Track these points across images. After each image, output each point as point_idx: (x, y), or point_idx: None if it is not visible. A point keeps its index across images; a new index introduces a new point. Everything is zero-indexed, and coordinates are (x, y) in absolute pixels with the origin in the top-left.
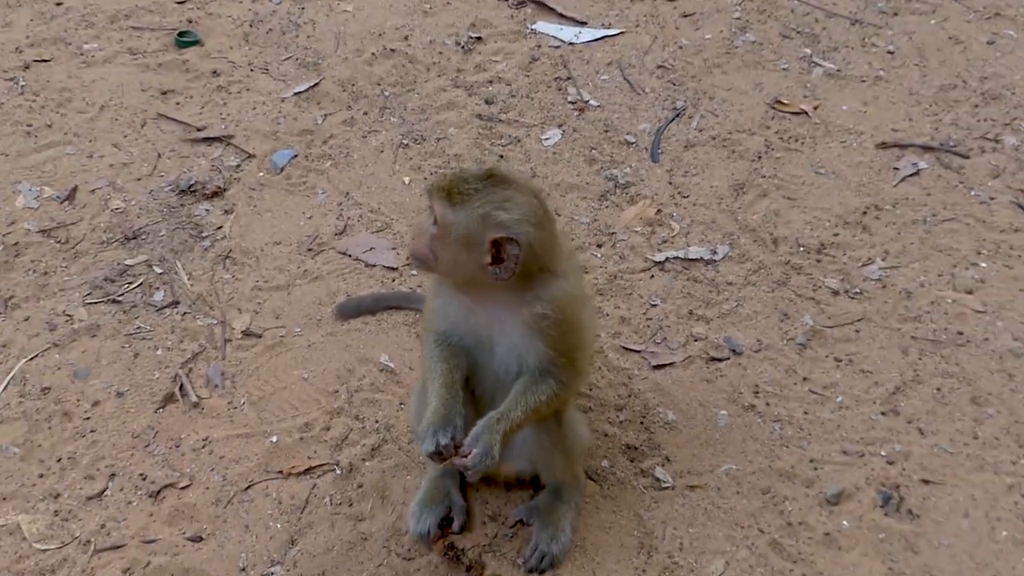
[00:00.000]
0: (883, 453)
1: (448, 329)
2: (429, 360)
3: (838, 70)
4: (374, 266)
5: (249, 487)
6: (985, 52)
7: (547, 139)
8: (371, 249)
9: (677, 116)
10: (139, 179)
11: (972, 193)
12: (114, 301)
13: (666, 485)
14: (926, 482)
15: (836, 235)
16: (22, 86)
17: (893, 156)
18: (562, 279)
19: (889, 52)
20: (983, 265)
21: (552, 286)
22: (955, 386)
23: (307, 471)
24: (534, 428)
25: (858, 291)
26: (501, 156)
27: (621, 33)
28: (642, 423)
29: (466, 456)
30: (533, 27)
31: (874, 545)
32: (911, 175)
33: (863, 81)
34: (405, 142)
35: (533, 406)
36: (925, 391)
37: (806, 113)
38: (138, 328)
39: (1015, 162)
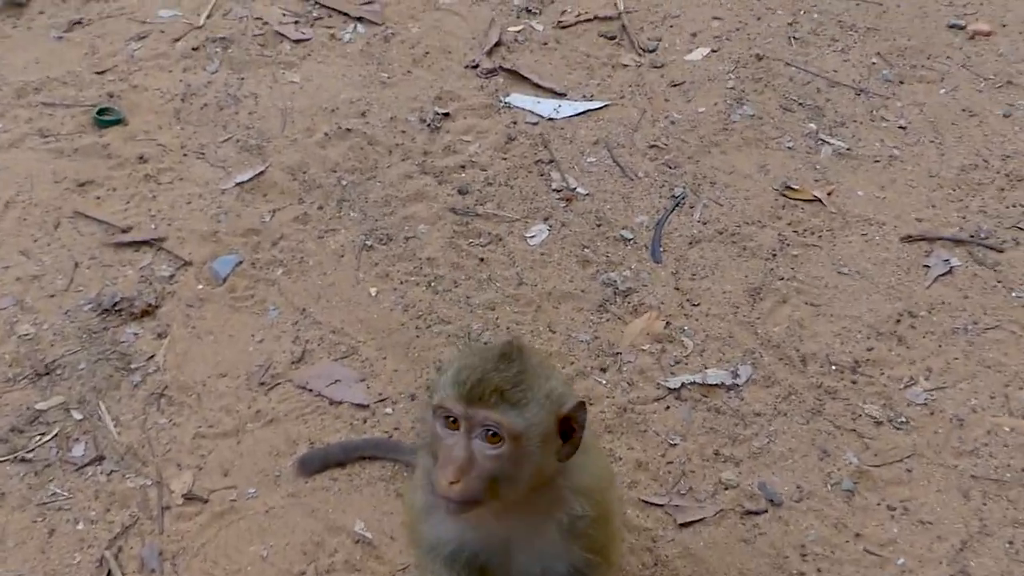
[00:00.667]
0: None
1: (453, 545)
2: None
3: (848, 149)
4: (340, 403)
5: None
6: (1003, 126)
7: (532, 236)
8: (336, 382)
9: (677, 206)
10: (52, 296)
11: (1013, 294)
12: (23, 459)
13: None
14: None
15: (870, 349)
16: None
17: (921, 251)
18: (584, 454)
19: (901, 127)
20: None
21: (582, 470)
22: None
23: None
24: None
25: (903, 420)
26: (481, 260)
27: (605, 106)
28: None
29: None
30: (507, 100)
31: None
32: (943, 274)
33: (877, 161)
34: (369, 243)
35: None
36: (996, 545)
37: (820, 200)
38: (53, 495)
39: None
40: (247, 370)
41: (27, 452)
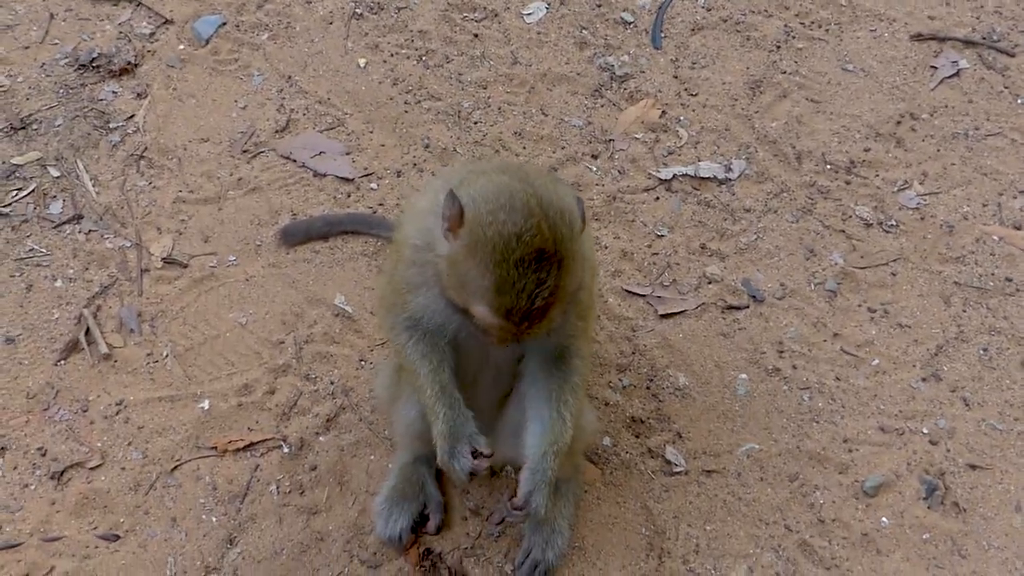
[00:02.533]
0: (925, 431)
1: (435, 323)
2: (407, 355)
3: None
4: (324, 176)
5: (176, 468)
6: None
7: (529, 14)
8: (320, 153)
9: None
10: (27, 48)
11: (1019, 101)
12: (1, 214)
13: (678, 469)
14: (973, 467)
15: (867, 150)
16: None
17: (930, 51)
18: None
19: None
20: None
21: (582, 243)
22: (1003, 346)
23: (248, 447)
24: (511, 422)
25: (893, 223)
26: (475, 36)
27: None
28: (649, 388)
29: (520, 508)
30: None
31: (917, 548)
32: (950, 76)
33: None
34: (359, 11)
35: (577, 410)
36: (970, 352)
37: None
38: (31, 251)
39: None
40: (230, 136)
41: (3, 207)
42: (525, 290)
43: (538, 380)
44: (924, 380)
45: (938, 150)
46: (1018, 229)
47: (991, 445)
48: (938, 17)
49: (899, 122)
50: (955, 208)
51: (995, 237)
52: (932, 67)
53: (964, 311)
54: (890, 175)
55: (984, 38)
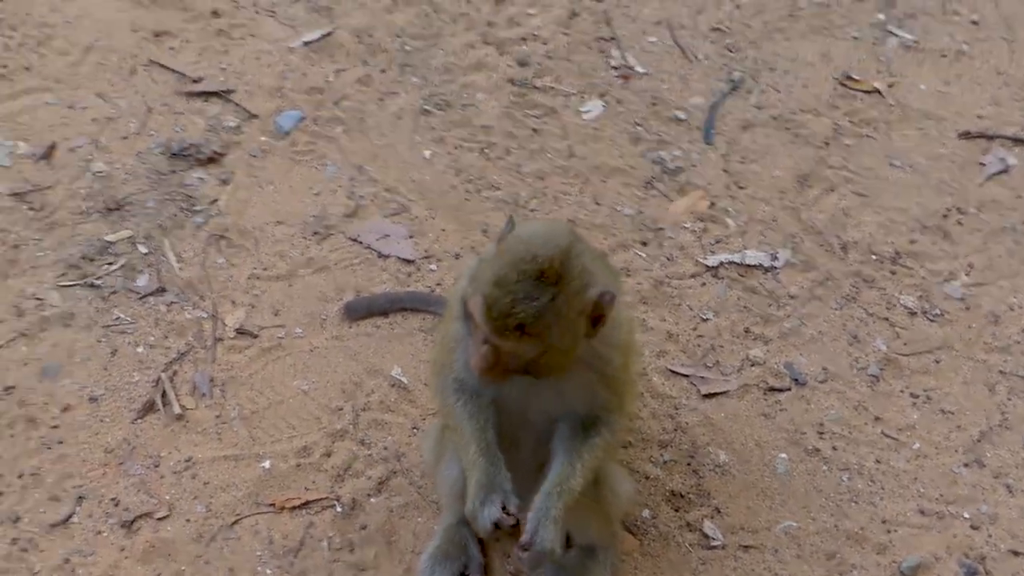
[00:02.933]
0: (966, 515)
1: (478, 384)
2: (453, 414)
3: (915, 41)
4: (388, 257)
5: (236, 522)
6: None
7: (587, 111)
8: (385, 236)
9: (734, 89)
10: (125, 138)
11: None
12: (92, 285)
13: (716, 543)
14: (1016, 553)
15: (913, 242)
16: None
17: (978, 148)
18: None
19: (973, 22)
20: None
21: (616, 327)
22: None
23: (303, 505)
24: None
25: (938, 312)
26: (534, 130)
27: None
28: (689, 464)
29: (526, 548)
30: None
31: None
32: (999, 172)
33: (944, 56)
34: (427, 108)
35: (591, 466)
36: (1015, 439)
37: (879, 92)
38: (118, 319)
39: None
40: (303, 220)
41: (96, 279)
42: (513, 294)
43: (564, 444)
44: (966, 465)
45: (985, 243)
46: None
47: None
48: (987, 116)
49: (945, 216)
50: (1001, 299)
51: None
52: (980, 164)
53: (1009, 399)
54: (936, 266)
55: None
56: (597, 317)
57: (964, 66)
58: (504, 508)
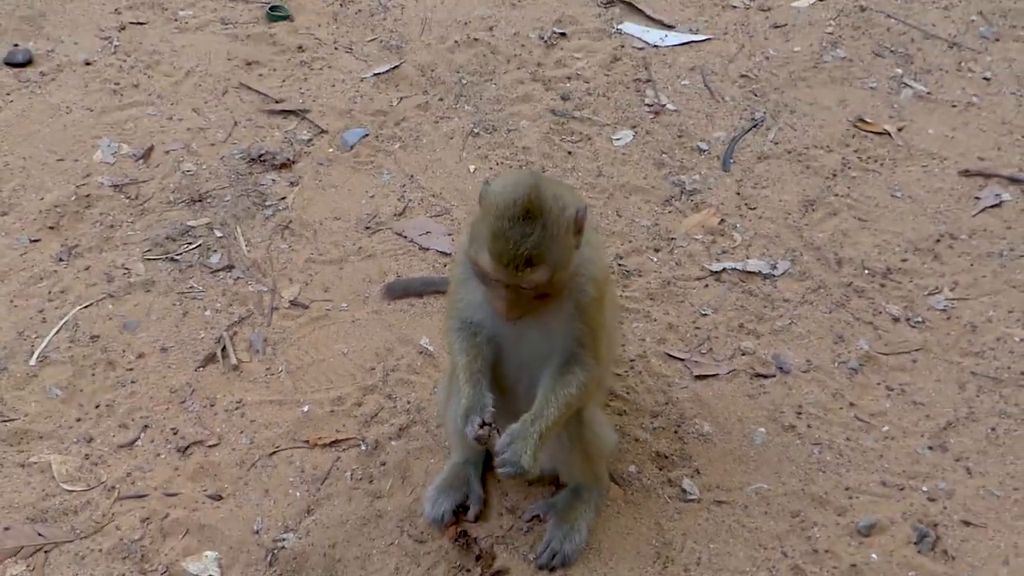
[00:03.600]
0: (924, 489)
1: (476, 319)
2: (453, 349)
3: (929, 93)
4: (428, 249)
5: (274, 453)
6: None
7: (618, 139)
8: (427, 233)
9: (754, 127)
10: (213, 144)
11: None
12: (172, 259)
13: (692, 497)
14: (967, 524)
15: (904, 260)
16: (116, 46)
17: (976, 185)
18: (594, 250)
19: (985, 79)
20: None
21: (592, 263)
22: (1011, 427)
23: (333, 443)
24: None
25: (920, 320)
26: (569, 152)
27: (708, 40)
28: (676, 432)
29: (500, 454)
30: (619, 27)
31: None
32: (992, 206)
33: (954, 106)
34: (476, 131)
35: (565, 400)
36: (978, 429)
37: (889, 134)
38: (191, 287)
39: None
40: (357, 216)
41: (176, 255)
42: (513, 238)
43: (545, 383)
44: (931, 448)
45: (972, 264)
46: None
47: (987, 507)
48: (988, 158)
49: (938, 240)
50: (981, 312)
51: (1016, 338)
52: (976, 198)
53: (977, 396)
54: (923, 282)
55: None
56: (577, 230)
57: (972, 115)
58: (483, 424)
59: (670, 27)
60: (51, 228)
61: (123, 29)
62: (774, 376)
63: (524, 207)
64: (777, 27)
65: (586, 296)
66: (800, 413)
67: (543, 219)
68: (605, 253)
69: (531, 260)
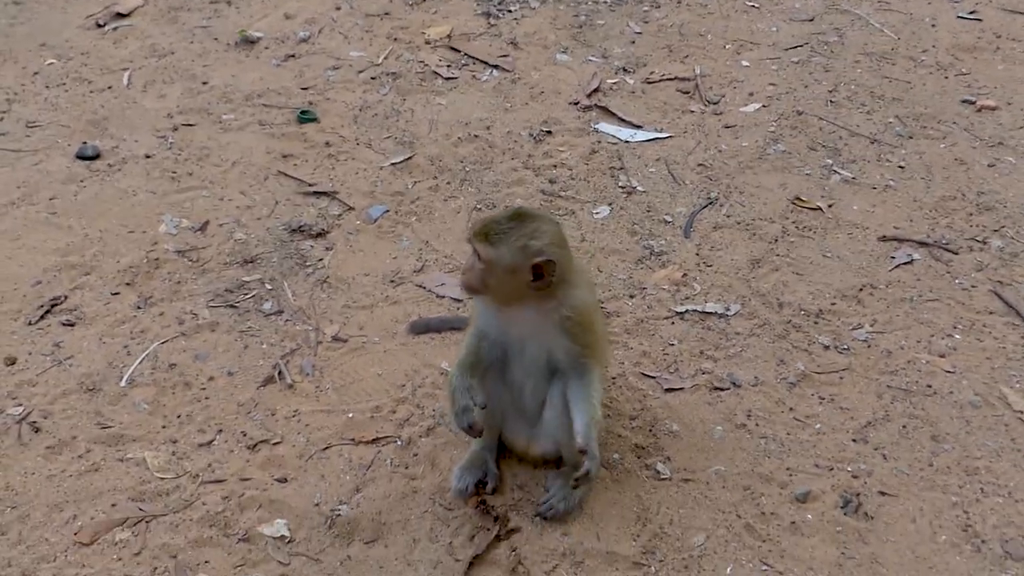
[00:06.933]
0: (849, 469)
1: (487, 330)
2: (463, 347)
3: (853, 177)
4: (443, 297)
5: (327, 448)
6: (985, 172)
7: (598, 213)
8: (443, 284)
9: (710, 204)
10: (259, 219)
11: (956, 281)
12: (232, 306)
13: (665, 477)
14: (883, 494)
15: (833, 304)
16: (171, 143)
17: (891, 247)
18: (577, 288)
19: (900, 167)
20: (957, 337)
21: (572, 295)
22: (919, 426)
23: (374, 440)
24: (560, 413)
25: (846, 347)
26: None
27: (671, 137)
28: (650, 430)
29: (584, 451)
30: (596, 127)
31: (831, 535)
32: (905, 263)
33: (874, 188)
34: (478, 207)
35: (599, 400)
36: (892, 427)
37: (821, 209)
38: (249, 327)
39: (998, 260)
40: (383, 273)
41: (235, 303)
42: (492, 219)
43: (570, 387)
44: (854, 440)
45: (888, 307)
46: (942, 357)
47: (899, 483)
48: (902, 227)
49: (861, 289)
50: (895, 342)
51: (923, 360)
52: (892, 257)
53: (892, 403)
54: (848, 320)
55: (935, 241)
56: (539, 273)
57: (889, 195)
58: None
59: (639, 127)
60: (128, 284)
61: (175, 130)
62: (728, 389)
63: (514, 211)
64: (728, 127)
65: (565, 315)
66: (750, 415)
67: (517, 225)
68: (593, 299)
69: (487, 235)
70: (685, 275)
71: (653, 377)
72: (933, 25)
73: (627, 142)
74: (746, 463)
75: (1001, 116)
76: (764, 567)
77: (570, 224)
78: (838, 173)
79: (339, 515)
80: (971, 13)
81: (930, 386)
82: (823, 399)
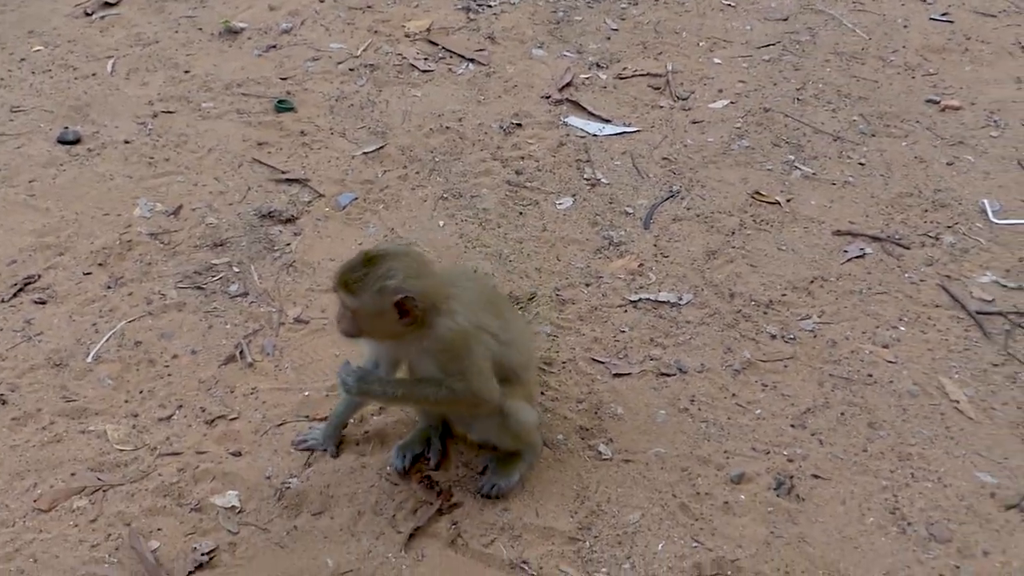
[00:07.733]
0: (785, 453)
1: (379, 358)
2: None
3: (814, 173)
4: None
5: (281, 424)
6: (944, 171)
7: (561, 204)
8: None
9: (671, 197)
10: (231, 204)
11: (906, 275)
12: (199, 287)
13: (606, 457)
14: (816, 477)
15: (784, 295)
16: (150, 129)
17: (845, 241)
18: (449, 316)
19: (860, 164)
20: (902, 328)
21: (440, 324)
22: (857, 413)
23: (327, 418)
24: (481, 418)
25: (792, 337)
26: (520, 213)
27: (638, 131)
28: (596, 413)
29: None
30: (565, 120)
31: (762, 515)
32: (857, 257)
33: (833, 184)
34: (445, 196)
35: (416, 394)
36: (831, 414)
37: (779, 203)
38: (214, 308)
39: (948, 255)
40: (348, 258)
41: (202, 284)
42: (348, 266)
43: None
44: (792, 426)
45: (837, 299)
46: (885, 347)
47: (833, 467)
48: (857, 223)
49: (812, 281)
50: (840, 333)
51: (867, 351)
52: (844, 250)
53: (832, 391)
54: (797, 311)
55: (888, 236)
56: (404, 310)
57: (847, 191)
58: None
59: (607, 121)
60: (100, 265)
61: (155, 116)
62: (675, 375)
63: (365, 255)
64: (695, 123)
65: (434, 345)
66: (693, 400)
67: (368, 270)
68: (469, 313)
69: (346, 284)
70: (641, 265)
71: (602, 362)
72: (905, 26)
73: (595, 136)
74: (686, 446)
75: (964, 116)
76: (695, 543)
77: (533, 213)
78: (799, 169)
79: (288, 488)
80: (943, 15)
81: (871, 375)
82: (766, 386)
